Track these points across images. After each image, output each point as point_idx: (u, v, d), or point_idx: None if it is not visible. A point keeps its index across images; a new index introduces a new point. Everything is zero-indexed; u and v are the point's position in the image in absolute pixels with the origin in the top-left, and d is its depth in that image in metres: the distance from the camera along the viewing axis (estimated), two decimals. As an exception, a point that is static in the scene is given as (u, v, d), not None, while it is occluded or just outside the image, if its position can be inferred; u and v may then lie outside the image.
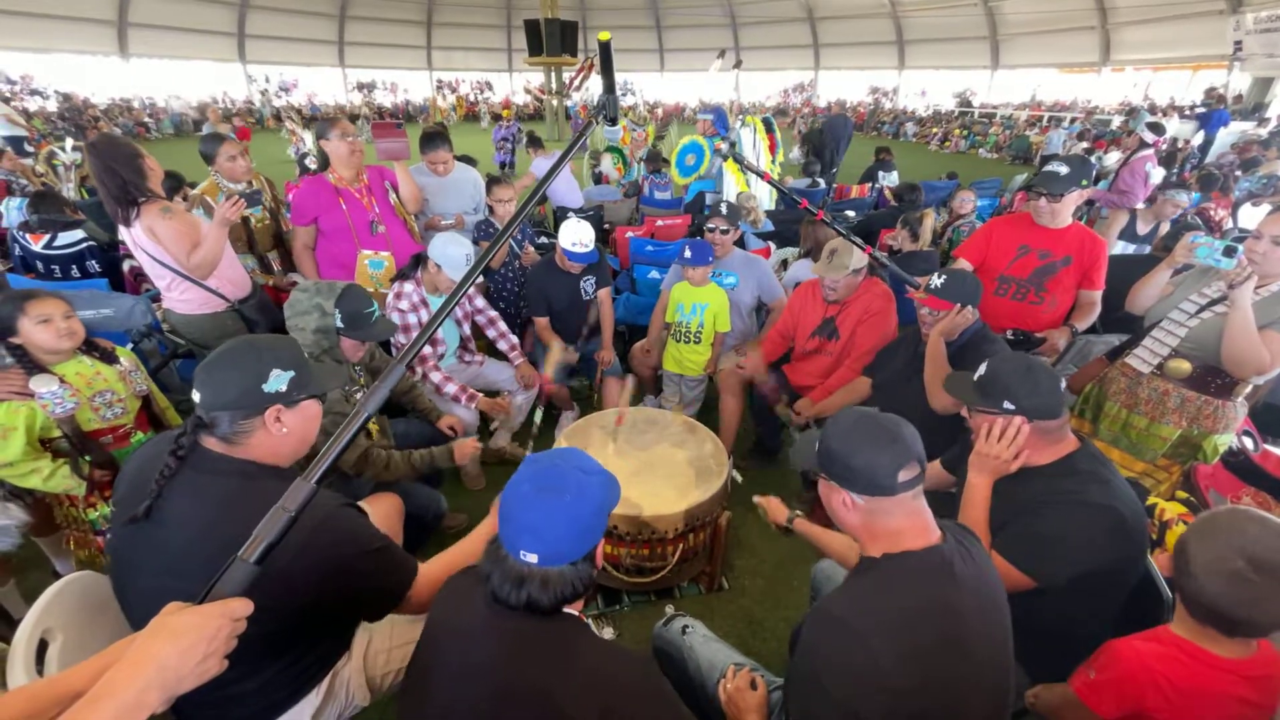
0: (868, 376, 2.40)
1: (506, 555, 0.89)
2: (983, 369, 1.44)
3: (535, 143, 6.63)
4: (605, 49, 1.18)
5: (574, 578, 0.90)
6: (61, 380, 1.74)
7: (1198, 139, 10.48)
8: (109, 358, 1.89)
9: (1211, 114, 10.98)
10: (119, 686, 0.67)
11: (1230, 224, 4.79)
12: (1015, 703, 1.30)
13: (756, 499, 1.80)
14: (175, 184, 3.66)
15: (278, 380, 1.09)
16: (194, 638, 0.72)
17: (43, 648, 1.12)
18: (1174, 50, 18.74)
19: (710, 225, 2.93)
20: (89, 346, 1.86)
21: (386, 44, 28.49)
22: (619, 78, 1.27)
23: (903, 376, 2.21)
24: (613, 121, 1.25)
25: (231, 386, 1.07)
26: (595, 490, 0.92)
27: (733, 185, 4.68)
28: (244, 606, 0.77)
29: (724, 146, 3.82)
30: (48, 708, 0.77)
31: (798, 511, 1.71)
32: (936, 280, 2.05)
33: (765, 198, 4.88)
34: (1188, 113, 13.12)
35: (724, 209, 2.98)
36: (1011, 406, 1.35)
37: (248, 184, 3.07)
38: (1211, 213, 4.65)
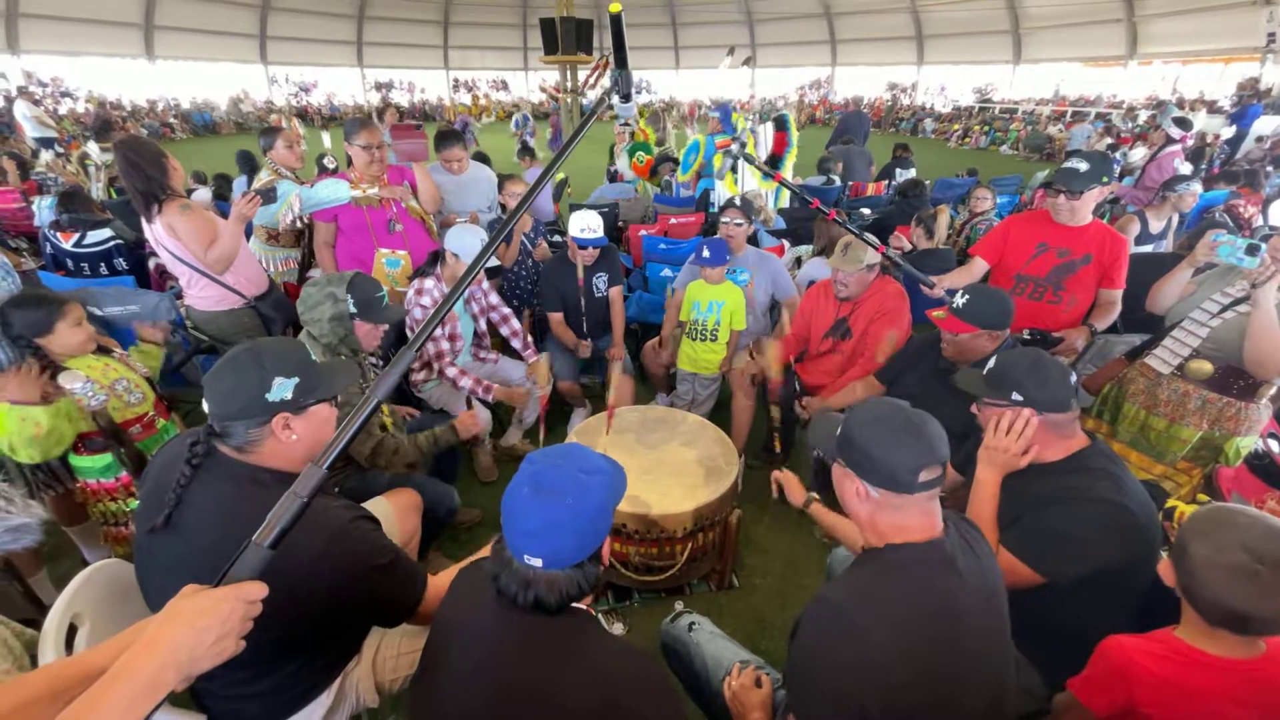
0: (884, 384, 2.32)
1: (511, 558, 0.89)
2: (992, 363, 1.44)
3: (528, 152, 6.93)
4: (616, 21, 1.14)
5: (580, 579, 0.90)
6: (86, 377, 1.81)
7: (1227, 134, 10.18)
8: (104, 350, 1.97)
9: (1246, 108, 10.67)
10: (136, 666, 0.69)
11: (1260, 221, 4.66)
12: (1026, 702, 1.29)
13: (775, 474, 1.74)
14: (225, 184, 3.80)
15: (282, 389, 1.08)
16: (208, 619, 0.73)
17: (72, 633, 1.17)
18: (1204, 43, 18.21)
19: (725, 218, 2.94)
20: None
21: (404, 44, 28.73)
22: (635, 75, 1.25)
23: (923, 388, 2.12)
24: (626, 99, 1.21)
25: (235, 398, 1.06)
26: (596, 491, 0.90)
27: (723, 188, 4.68)
28: (258, 589, 0.78)
29: (734, 147, 3.79)
30: (70, 685, 0.80)
31: (815, 496, 1.67)
32: (959, 299, 1.88)
33: (767, 196, 4.82)
34: (1224, 106, 12.74)
35: (738, 202, 2.99)
36: (1020, 398, 1.34)
37: (295, 176, 3.19)
38: (1241, 210, 4.53)
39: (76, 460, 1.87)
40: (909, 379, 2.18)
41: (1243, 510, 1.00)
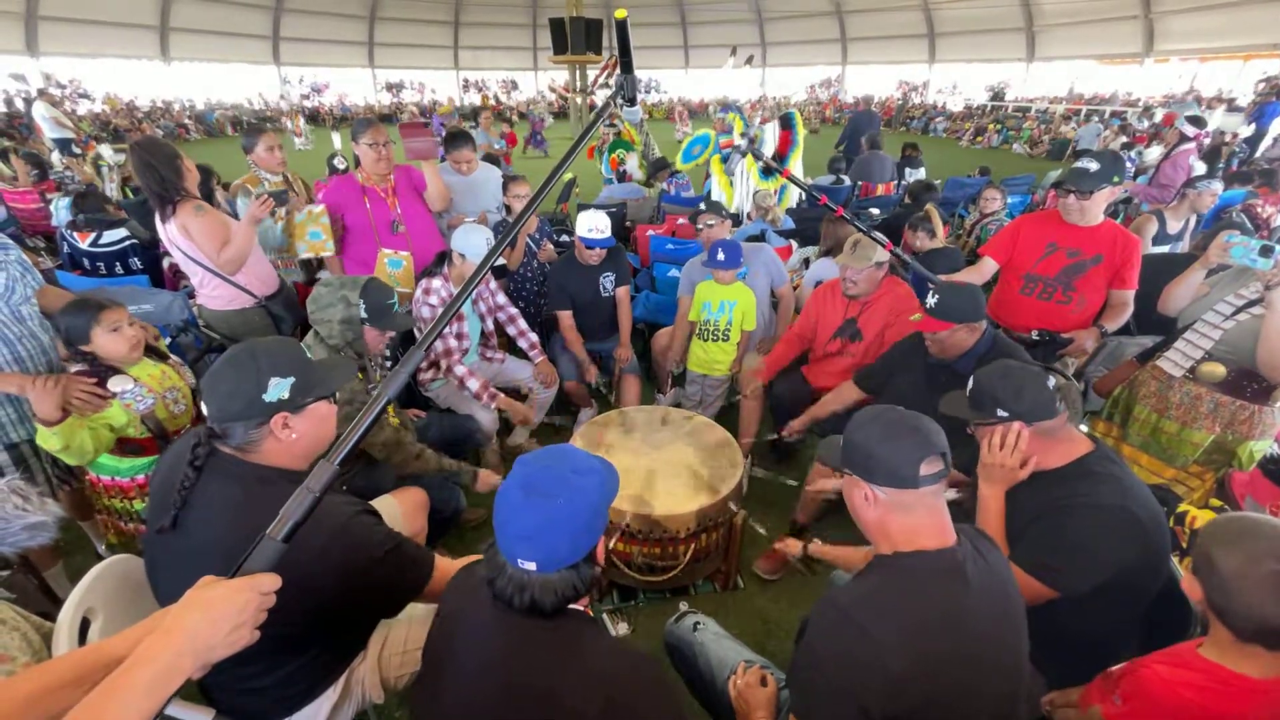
0: (872, 393, 2.29)
1: (505, 563, 0.89)
2: (970, 383, 1.44)
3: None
4: (622, 27, 1.15)
5: (575, 579, 0.90)
6: (135, 380, 1.81)
7: (1246, 132, 10.01)
8: (161, 355, 1.97)
9: (1265, 106, 10.47)
10: (154, 653, 0.71)
11: (1279, 221, 4.58)
12: (1031, 711, 1.28)
13: (776, 545, 1.83)
14: (205, 176, 3.83)
15: (278, 389, 1.08)
16: (223, 609, 0.75)
17: (85, 627, 1.19)
18: (1223, 39, 17.95)
19: (699, 224, 3.06)
20: (145, 348, 1.92)
21: (415, 44, 28.97)
22: (644, 75, 1.25)
23: (915, 390, 2.11)
24: (631, 102, 1.22)
25: (234, 399, 1.07)
26: (589, 492, 0.90)
27: (716, 187, 4.69)
28: (272, 581, 0.80)
29: (742, 143, 3.80)
30: (92, 671, 0.82)
31: (814, 540, 1.73)
32: (931, 299, 1.94)
33: (774, 196, 4.82)
34: (1241, 104, 12.51)
35: (703, 205, 3.15)
36: (1005, 414, 1.34)
37: (284, 179, 3.20)
38: (1259, 209, 4.46)
39: (101, 457, 1.85)
40: (899, 382, 2.18)
41: (1264, 518, 0.98)
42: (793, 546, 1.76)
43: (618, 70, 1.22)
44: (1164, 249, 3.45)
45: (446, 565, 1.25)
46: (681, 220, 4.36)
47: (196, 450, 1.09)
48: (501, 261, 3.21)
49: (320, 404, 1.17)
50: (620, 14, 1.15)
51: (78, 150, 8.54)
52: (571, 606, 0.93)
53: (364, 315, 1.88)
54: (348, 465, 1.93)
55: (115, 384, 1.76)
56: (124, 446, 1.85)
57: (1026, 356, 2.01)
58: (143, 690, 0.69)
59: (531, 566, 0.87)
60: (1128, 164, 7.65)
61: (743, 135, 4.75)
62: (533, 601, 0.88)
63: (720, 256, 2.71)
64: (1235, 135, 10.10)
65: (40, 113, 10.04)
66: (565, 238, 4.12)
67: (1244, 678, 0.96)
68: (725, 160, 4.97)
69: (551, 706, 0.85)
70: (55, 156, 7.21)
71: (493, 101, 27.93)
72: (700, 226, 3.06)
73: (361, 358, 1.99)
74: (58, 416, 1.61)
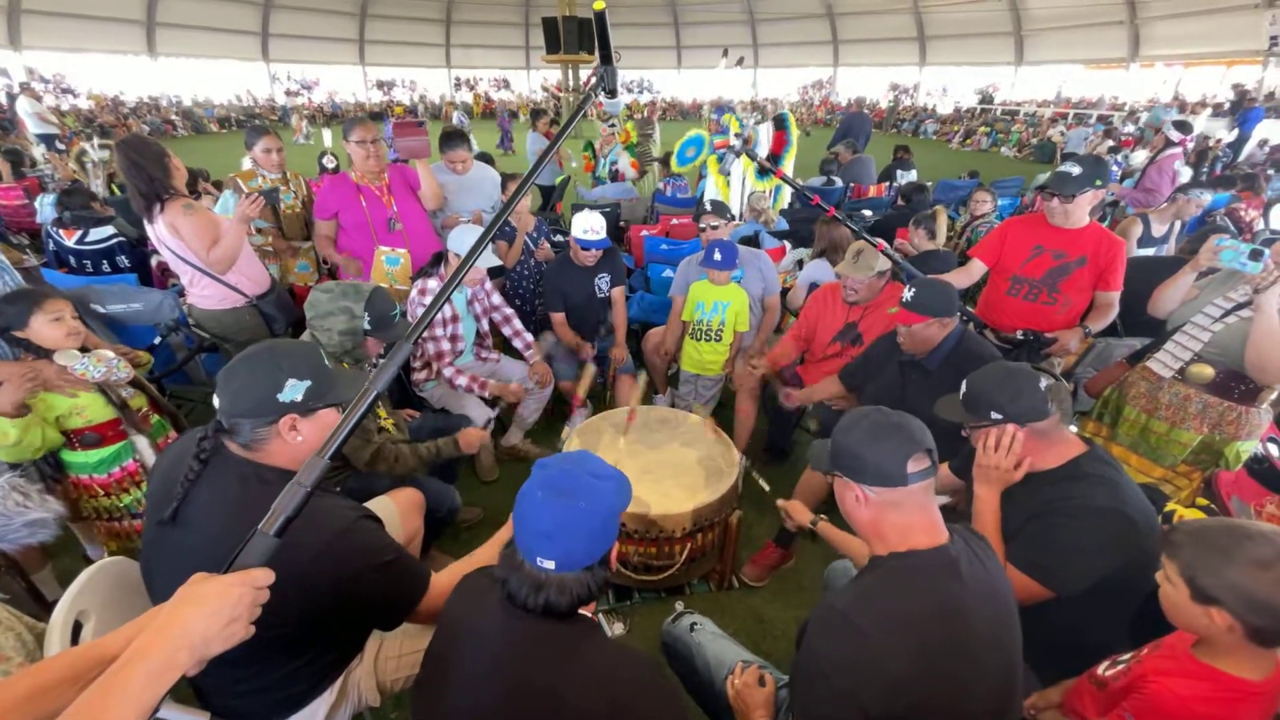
0: (854, 390, 2.35)
1: (523, 562, 0.90)
2: (964, 386, 1.45)
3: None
4: (600, 19, 1.16)
5: (590, 581, 0.91)
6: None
7: (1229, 137, 10.18)
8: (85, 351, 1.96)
9: (1248, 111, 10.65)
10: (149, 650, 0.71)
11: (1262, 225, 4.66)
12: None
13: (779, 503, 1.84)
14: (191, 179, 3.80)
15: (293, 390, 1.09)
16: (218, 604, 0.75)
17: (78, 630, 1.17)
18: (1206, 45, 18.24)
19: (703, 223, 3.06)
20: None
21: (406, 42, 28.79)
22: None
23: (888, 394, 2.16)
24: (611, 94, 1.22)
25: (247, 395, 1.08)
26: (607, 495, 0.92)
27: (713, 188, 4.70)
28: (265, 575, 0.80)
29: (736, 142, 3.80)
30: (87, 670, 0.81)
31: (822, 516, 1.73)
32: (908, 293, 2.00)
33: (768, 196, 4.83)
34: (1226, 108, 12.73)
35: (709, 205, 3.12)
36: (999, 416, 1.35)
37: (282, 176, 3.17)
38: (1242, 214, 4.54)
39: (68, 456, 1.85)
40: (875, 382, 2.22)
41: (1232, 521, 0.99)
42: (801, 515, 1.76)
43: (599, 65, 1.22)
44: (1149, 251, 3.50)
45: (441, 584, 1.24)
46: (676, 220, 4.36)
47: (202, 444, 1.09)
48: (499, 261, 3.20)
49: (330, 411, 1.17)
50: (598, 5, 1.16)
51: (61, 146, 8.41)
52: (580, 612, 0.94)
53: (367, 327, 1.88)
54: (339, 467, 1.92)
55: (62, 358, 1.75)
56: (81, 439, 1.83)
57: (995, 354, 2.05)
58: (139, 686, 0.69)
59: (550, 565, 0.88)
60: (1114, 167, 7.75)
61: (738, 135, 4.76)
62: (547, 602, 0.89)
63: (716, 257, 2.72)
64: (1220, 140, 10.27)
65: (24, 108, 9.89)
66: (560, 237, 4.11)
67: (1245, 681, 0.97)
68: (720, 160, 4.98)
69: (556, 707, 0.85)
70: (38, 152, 7.09)
71: (484, 100, 27.82)
72: (704, 227, 3.05)
73: (360, 364, 1.98)
74: (12, 412, 1.62)
